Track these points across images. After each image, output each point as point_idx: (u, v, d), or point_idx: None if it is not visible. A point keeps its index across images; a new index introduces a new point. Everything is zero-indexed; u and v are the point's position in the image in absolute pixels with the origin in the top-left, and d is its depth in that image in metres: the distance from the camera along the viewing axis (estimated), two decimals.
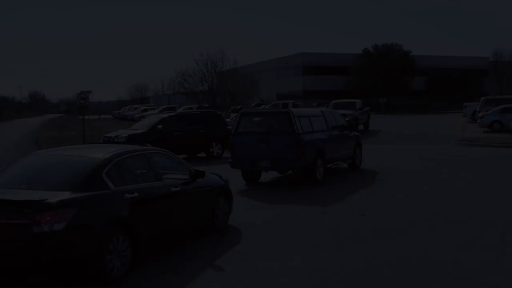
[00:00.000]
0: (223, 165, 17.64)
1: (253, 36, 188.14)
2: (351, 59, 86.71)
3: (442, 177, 16.90)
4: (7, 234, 6.52)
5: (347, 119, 22.84)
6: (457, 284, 7.21)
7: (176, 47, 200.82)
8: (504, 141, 27.49)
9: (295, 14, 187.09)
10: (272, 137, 15.24)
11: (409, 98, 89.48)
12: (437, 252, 8.62)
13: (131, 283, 7.42)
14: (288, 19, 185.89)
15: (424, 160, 21.71)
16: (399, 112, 69.23)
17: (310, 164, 15.24)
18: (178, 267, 8.14)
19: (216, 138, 23.25)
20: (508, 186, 14.94)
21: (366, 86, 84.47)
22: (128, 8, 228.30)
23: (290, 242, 9.47)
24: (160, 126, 22.33)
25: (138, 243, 7.73)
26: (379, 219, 11.16)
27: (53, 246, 6.54)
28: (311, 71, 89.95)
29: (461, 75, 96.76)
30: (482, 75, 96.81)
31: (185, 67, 47.24)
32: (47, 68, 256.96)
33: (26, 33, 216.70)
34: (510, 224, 10.39)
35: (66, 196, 6.89)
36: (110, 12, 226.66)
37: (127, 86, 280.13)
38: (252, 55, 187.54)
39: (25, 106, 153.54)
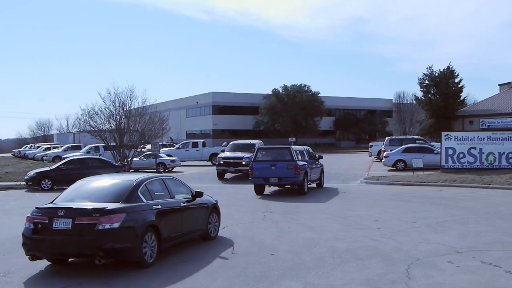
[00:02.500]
0: None
1: (163, 75, 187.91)
2: (261, 99, 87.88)
3: (350, 215, 17.11)
4: (82, 230, 9.67)
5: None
6: None
7: (82, 83, 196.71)
8: (408, 179, 28.37)
9: (205, 53, 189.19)
10: (279, 163, 23.07)
11: (318, 138, 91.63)
12: None
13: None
14: (198, 59, 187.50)
15: (332, 199, 21.99)
16: None
17: (302, 181, 23.01)
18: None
19: None
20: (411, 222, 15.25)
21: (275, 126, 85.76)
22: (32, 42, 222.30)
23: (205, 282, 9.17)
24: None
25: (161, 240, 10.81)
26: (289, 258, 11.03)
27: (112, 238, 9.66)
28: (222, 111, 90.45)
29: (367, 116, 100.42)
30: (386, 116, 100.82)
31: (91, 105, 45.81)
32: None
33: None
34: (414, 260, 10.53)
35: (119, 206, 10.13)
36: (11, 46, 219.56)
37: (28, 123, 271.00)
38: (162, 93, 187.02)
39: None
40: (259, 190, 24.07)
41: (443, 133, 32.46)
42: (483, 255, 10.90)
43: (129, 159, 35.30)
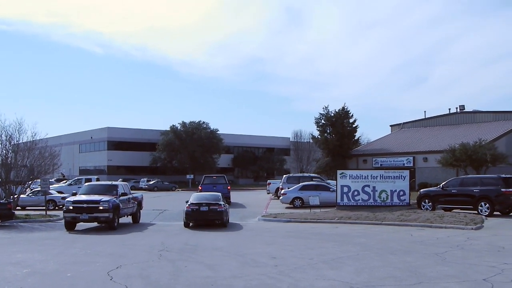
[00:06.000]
0: None
1: (55, 108, 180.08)
2: (159, 135, 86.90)
3: (248, 252, 16.86)
4: (212, 211, 25.34)
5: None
6: None
7: None
8: (305, 216, 28.62)
9: (100, 88, 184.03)
10: (218, 185, 41.03)
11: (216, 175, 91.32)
12: None
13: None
14: (93, 93, 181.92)
15: (231, 236, 21.73)
16: None
17: (229, 196, 41.73)
18: None
19: None
20: (308, 259, 15.21)
21: (173, 163, 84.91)
22: None
23: None
24: None
25: (228, 217, 26.88)
26: None
27: (221, 214, 25.43)
28: (117, 146, 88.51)
29: (265, 154, 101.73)
30: (284, 154, 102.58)
31: None
32: None
33: None
34: None
35: (220, 202, 25.82)
36: None
37: None
38: (55, 127, 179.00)
39: None
40: None
41: (339, 171, 33.23)
42: None
43: (15, 196, 33.40)
